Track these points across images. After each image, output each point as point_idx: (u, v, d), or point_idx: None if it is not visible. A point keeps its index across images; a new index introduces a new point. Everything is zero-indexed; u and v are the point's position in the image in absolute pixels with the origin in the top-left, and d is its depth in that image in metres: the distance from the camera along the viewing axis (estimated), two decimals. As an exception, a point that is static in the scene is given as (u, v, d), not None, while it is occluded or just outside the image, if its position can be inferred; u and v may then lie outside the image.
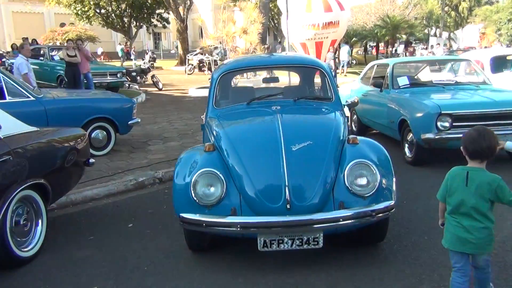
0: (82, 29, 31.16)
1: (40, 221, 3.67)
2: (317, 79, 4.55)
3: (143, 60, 23.83)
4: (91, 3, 28.37)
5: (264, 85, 4.75)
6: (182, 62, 25.92)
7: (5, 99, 5.79)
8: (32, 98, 5.99)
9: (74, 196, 5.16)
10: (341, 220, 3.00)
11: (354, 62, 31.05)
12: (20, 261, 3.40)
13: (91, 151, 6.57)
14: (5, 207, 3.16)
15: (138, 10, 30.16)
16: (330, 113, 3.94)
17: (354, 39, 34.41)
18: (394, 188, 3.26)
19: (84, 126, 6.52)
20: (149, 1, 29.83)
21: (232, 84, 4.70)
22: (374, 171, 3.16)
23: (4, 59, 13.22)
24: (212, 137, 3.73)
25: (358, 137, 3.53)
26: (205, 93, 4.60)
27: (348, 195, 3.13)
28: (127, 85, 15.27)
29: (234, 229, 3.02)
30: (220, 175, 3.16)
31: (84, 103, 6.72)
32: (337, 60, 16.76)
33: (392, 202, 3.17)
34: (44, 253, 3.68)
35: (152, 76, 15.89)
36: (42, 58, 13.37)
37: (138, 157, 6.84)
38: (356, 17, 33.14)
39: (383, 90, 6.87)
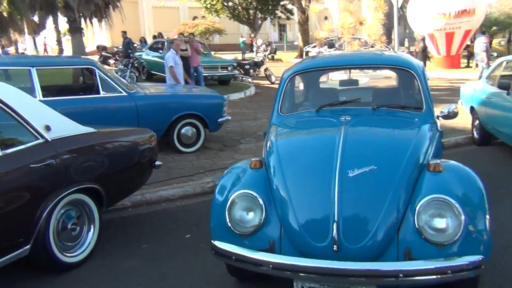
0: (210, 22, 32.61)
1: (92, 226, 3.58)
2: (409, 83, 3.73)
3: (263, 52, 24.01)
4: (219, -4, 29.48)
5: (344, 87, 4.07)
6: (302, 54, 25.52)
7: (99, 94, 5.99)
8: (124, 94, 6.11)
9: (149, 195, 5.12)
10: (403, 275, 2.30)
11: (495, 54, 27.37)
12: (64, 266, 3.33)
13: (180, 147, 6.63)
14: (46, 211, 3.09)
15: (264, 2, 30.50)
16: (413, 127, 3.16)
17: (494, 28, 30.29)
18: (486, 236, 2.43)
19: (174, 122, 6.52)
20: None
21: (305, 86, 4.12)
22: (458, 213, 2.37)
23: (130, 51, 14.23)
24: (264, 150, 3.24)
25: (445, 162, 2.73)
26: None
27: (418, 240, 2.40)
28: (240, 78, 15.38)
29: (266, 268, 2.51)
30: (260, 199, 2.67)
31: (173, 99, 6.70)
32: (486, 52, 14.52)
33: (481, 258, 2.35)
34: (95, 257, 3.60)
35: (265, 69, 15.76)
36: (161, 51, 14.07)
37: (225, 156, 6.62)
38: (501, 3, 29.09)
39: (510, 93, 5.62)
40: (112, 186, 3.77)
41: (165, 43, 14.11)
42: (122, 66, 13.60)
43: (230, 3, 30.81)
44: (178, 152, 6.70)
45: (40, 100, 5.48)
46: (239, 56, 25.64)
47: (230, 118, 7.25)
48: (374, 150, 2.82)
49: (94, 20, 14.01)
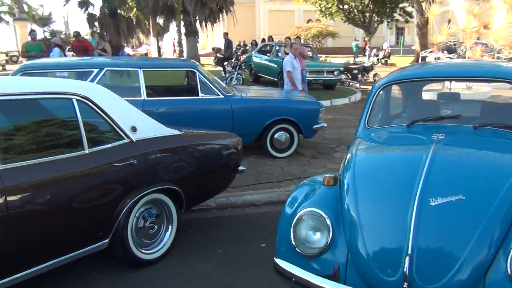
0: (324, 25, 32.33)
1: (170, 226, 3.67)
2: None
3: (376, 56, 23.10)
4: (335, -1, 29.07)
5: (443, 100, 3.61)
6: (418, 59, 23.98)
7: (198, 95, 6.20)
8: (221, 96, 6.24)
9: (234, 198, 5.15)
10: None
11: None
12: (140, 262, 3.46)
13: (272, 152, 6.59)
14: (126, 208, 3.22)
15: (381, 5, 29.35)
16: (521, 153, 2.68)
17: None
18: None
19: (268, 126, 6.50)
20: (393, -5, 28.61)
21: (398, 98, 3.75)
22: None
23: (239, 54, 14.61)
24: (342, 165, 3.01)
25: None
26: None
27: (509, 289, 2.01)
28: (347, 82, 14.95)
29: (324, 297, 2.30)
30: (328, 219, 2.47)
31: (268, 104, 6.67)
32: None
33: None
34: (171, 256, 3.69)
35: (374, 75, 15.12)
36: (269, 54, 14.24)
37: (318, 164, 6.43)
38: None
39: None
40: (192, 188, 3.83)
41: (273, 47, 14.25)
42: (231, 68, 14.06)
43: (346, 6, 30.18)
44: (270, 156, 6.66)
45: (144, 100, 5.89)
46: (351, 59, 25.01)
47: (325, 125, 7.03)
48: (465, 177, 2.44)
49: (213, 22, 14.57)
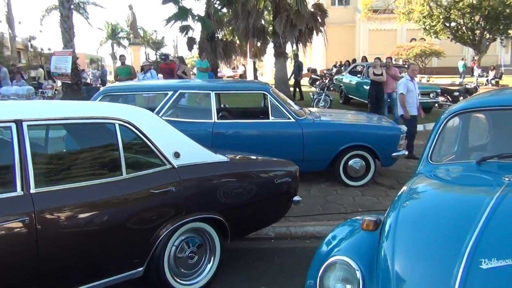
0: (428, 43, 30.61)
1: (212, 257, 3.52)
2: None
3: (486, 76, 21.20)
4: (440, 17, 27.42)
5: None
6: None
7: (269, 119, 6.06)
8: (292, 120, 6.03)
9: (295, 229, 4.86)
10: None
11: None
12: (176, 292, 3.34)
13: (346, 180, 6.18)
14: (163, 236, 3.14)
15: (494, 21, 26.98)
16: None
17: None
18: None
19: (341, 152, 6.13)
20: (508, 10, 26.14)
21: (472, 128, 3.19)
22: None
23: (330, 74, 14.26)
24: (390, 206, 2.61)
25: None
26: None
27: None
28: (447, 105, 13.78)
29: None
30: (358, 272, 2.12)
31: (342, 129, 6.28)
32: None
33: None
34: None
35: (479, 97, 13.72)
36: (359, 75, 13.71)
37: (394, 196, 5.86)
38: None
39: None
40: (239, 218, 3.65)
41: (365, 67, 13.70)
42: (319, 89, 13.77)
43: (453, 24, 28.28)
44: (343, 184, 6.25)
45: (215, 122, 5.90)
46: (458, 80, 23.21)
47: (406, 153, 6.44)
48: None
49: (304, 44, 14.48)
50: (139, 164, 3.20)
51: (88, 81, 25.54)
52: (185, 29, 18.72)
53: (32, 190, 2.63)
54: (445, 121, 3.04)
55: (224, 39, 18.85)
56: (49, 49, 34.82)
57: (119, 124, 3.08)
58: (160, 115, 5.89)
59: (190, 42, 19.20)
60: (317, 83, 14.76)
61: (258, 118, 6.32)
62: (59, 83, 16.31)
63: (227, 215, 3.50)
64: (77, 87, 14.70)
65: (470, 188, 2.53)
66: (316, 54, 42.65)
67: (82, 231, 2.81)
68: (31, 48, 36.21)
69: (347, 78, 14.76)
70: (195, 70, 15.77)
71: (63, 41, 14.94)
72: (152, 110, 5.90)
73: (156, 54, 54.85)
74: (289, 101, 6.63)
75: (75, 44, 15.43)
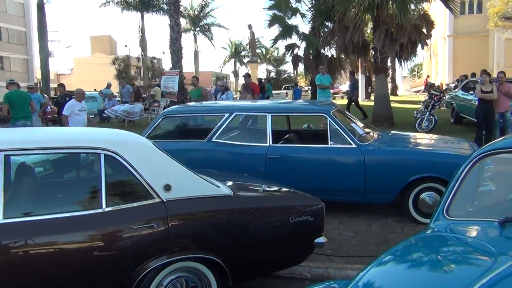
0: None
1: (208, 301, 3.20)
2: None
3: None
4: None
5: None
6: None
7: (327, 143, 5.55)
8: (353, 146, 5.42)
9: (334, 272, 4.27)
10: None
11: None
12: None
13: (416, 216, 5.36)
14: (143, 275, 2.92)
15: None
16: None
17: None
18: None
19: (411, 184, 5.32)
20: None
21: (501, 175, 2.38)
22: None
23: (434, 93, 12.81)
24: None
25: None
26: None
27: None
28: None
29: None
30: None
31: (411, 157, 5.44)
32: None
33: None
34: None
35: None
36: (471, 92, 12.11)
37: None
38: None
39: None
40: (241, 260, 3.27)
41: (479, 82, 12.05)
42: (423, 107, 12.46)
43: None
44: (413, 221, 5.40)
45: (269, 146, 5.58)
46: None
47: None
48: None
49: (407, 58, 13.40)
50: (123, 197, 3.03)
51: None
52: (290, 47, 18.70)
53: (1, 220, 2.62)
54: (470, 165, 2.34)
55: (330, 56, 18.34)
56: (170, 69, 37.86)
57: (105, 155, 2.96)
58: (215, 137, 5.78)
59: (295, 60, 19.11)
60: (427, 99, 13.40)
61: (316, 143, 5.82)
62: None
63: (226, 256, 3.16)
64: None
65: (468, 255, 1.84)
66: (441, 67, 39.50)
67: (52, 266, 2.73)
68: (152, 68, 39.83)
69: (459, 95, 13.18)
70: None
71: (172, 62, 15.96)
72: (210, 131, 5.88)
73: (271, 72, 56.23)
74: (356, 123, 6.00)
75: (200, 63, 16.39)
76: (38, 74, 37.83)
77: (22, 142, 2.83)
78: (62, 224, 2.78)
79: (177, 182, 3.15)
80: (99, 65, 55.68)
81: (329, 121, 5.55)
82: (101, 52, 63.87)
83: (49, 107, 14.27)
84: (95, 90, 21.69)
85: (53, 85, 28.12)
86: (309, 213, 3.54)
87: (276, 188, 3.90)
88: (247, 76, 13.25)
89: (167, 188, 3.08)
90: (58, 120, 12.89)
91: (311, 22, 18.18)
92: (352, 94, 15.79)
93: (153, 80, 37.55)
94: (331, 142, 5.52)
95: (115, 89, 26.61)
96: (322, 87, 12.09)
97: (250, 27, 36.81)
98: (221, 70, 63.89)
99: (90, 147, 2.97)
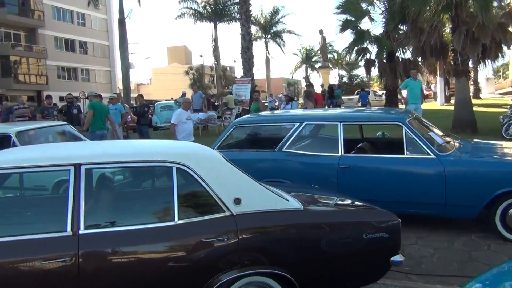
0: None
1: (279, 317, 3.13)
2: None
3: None
4: None
5: None
6: None
7: (403, 154, 5.29)
8: (432, 156, 5.11)
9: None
10: None
11: None
12: None
13: (504, 233, 4.96)
14: (215, 288, 2.93)
15: None
16: None
17: None
18: None
19: (498, 198, 4.90)
20: None
21: None
22: None
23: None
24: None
25: None
26: None
27: None
28: None
29: None
30: None
31: (497, 168, 4.99)
32: None
33: None
34: None
35: None
36: None
37: None
38: None
39: None
40: (312, 276, 3.17)
41: None
42: (510, 112, 11.48)
43: None
44: (501, 238, 4.96)
45: (341, 156, 5.43)
46: None
47: None
48: None
49: (493, 59, 12.52)
50: (194, 210, 3.07)
51: (276, 104, 27.10)
52: (361, 52, 18.22)
53: (82, 231, 2.76)
54: None
55: (405, 59, 17.63)
56: (242, 76, 38.50)
57: (177, 168, 3.02)
58: (285, 147, 5.74)
59: (368, 64, 18.57)
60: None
61: (391, 152, 5.55)
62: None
63: (297, 271, 3.08)
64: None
65: None
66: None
67: (127, 277, 2.82)
68: (224, 76, 40.70)
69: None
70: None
71: (243, 71, 16.19)
72: (280, 141, 5.84)
73: (342, 77, 55.09)
74: (434, 132, 5.65)
75: (273, 69, 16.63)
76: (119, 85, 40.32)
77: (101, 156, 2.97)
78: (137, 236, 2.87)
79: (246, 196, 3.13)
80: (175, 74, 58.15)
81: (405, 130, 5.29)
82: (177, 62, 66.71)
83: (129, 117, 15.06)
84: (172, 99, 22.59)
85: (133, 94, 29.76)
86: (384, 230, 3.36)
87: (349, 202, 3.76)
88: (309, 85, 13.21)
89: (237, 201, 3.08)
90: (138, 129, 13.59)
91: (385, 25, 17.57)
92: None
93: (226, 88, 38.48)
94: (408, 152, 5.25)
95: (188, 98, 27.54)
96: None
97: (321, 32, 36.50)
98: (292, 76, 63.92)
99: (163, 161, 3.05)
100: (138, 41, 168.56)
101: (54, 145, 3.93)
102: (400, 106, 16.07)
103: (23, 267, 2.68)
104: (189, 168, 3.04)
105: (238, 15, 21.91)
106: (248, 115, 6.65)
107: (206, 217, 3.02)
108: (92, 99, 10.45)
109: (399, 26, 15.72)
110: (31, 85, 38.42)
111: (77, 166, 2.85)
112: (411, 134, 5.24)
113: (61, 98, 28.08)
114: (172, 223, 2.94)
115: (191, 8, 40.31)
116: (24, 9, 37.88)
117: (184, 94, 21.77)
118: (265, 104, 16.93)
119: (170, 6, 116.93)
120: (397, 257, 3.39)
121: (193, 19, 40.48)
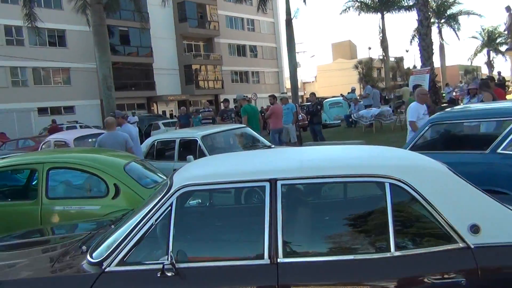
0: None
1: None
2: None
3: None
4: None
5: None
6: None
7: None
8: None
9: None
10: None
11: None
12: None
13: None
14: None
15: None
16: None
17: None
18: None
19: None
20: None
21: None
22: None
23: None
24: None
25: None
26: None
27: None
28: None
29: None
30: None
31: None
32: None
33: None
34: None
35: None
36: None
37: None
38: None
39: None
40: None
41: None
42: None
43: None
44: None
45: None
46: None
47: None
48: None
49: None
50: (415, 239, 2.38)
51: (454, 94, 24.31)
52: None
53: (280, 259, 2.33)
54: None
55: None
56: (414, 67, 35.53)
57: (390, 184, 2.39)
58: (501, 148, 4.60)
59: None
60: None
61: None
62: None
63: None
64: (434, 105, 14.06)
65: None
66: None
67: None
68: (397, 68, 37.99)
69: None
70: None
71: (422, 60, 14.64)
72: (491, 141, 4.71)
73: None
74: None
75: (446, 56, 14.91)
76: (287, 84, 41.27)
77: (298, 170, 2.51)
78: (341, 269, 2.32)
79: (487, 222, 2.33)
80: (341, 70, 57.36)
81: None
82: (342, 57, 65.83)
83: (300, 115, 14.98)
84: (340, 95, 21.98)
85: (300, 93, 30.05)
86: None
87: None
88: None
89: (475, 230, 2.30)
90: (310, 128, 13.37)
91: None
92: None
93: (395, 80, 36.16)
94: None
95: (358, 93, 26.54)
96: None
97: (508, 9, 31.52)
98: (471, 63, 57.04)
99: (372, 175, 2.44)
100: (303, 40, 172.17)
101: (244, 155, 3.61)
102: None
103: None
104: (407, 184, 2.38)
105: (411, 1, 20.10)
106: (445, 111, 5.58)
107: (432, 249, 2.32)
108: (242, 103, 10.50)
109: None
110: (209, 90, 42.06)
111: (273, 182, 2.44)
112: None
113: (234, 101, 29.95)
114: (387, 254, 2.31)
115: (357, 0, 39.04)
116: (202, 21, 41.61)
117: (353, 90, 20.94)
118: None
119: (333, 1, 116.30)
120: None
121: (357, 11, 39.15)
